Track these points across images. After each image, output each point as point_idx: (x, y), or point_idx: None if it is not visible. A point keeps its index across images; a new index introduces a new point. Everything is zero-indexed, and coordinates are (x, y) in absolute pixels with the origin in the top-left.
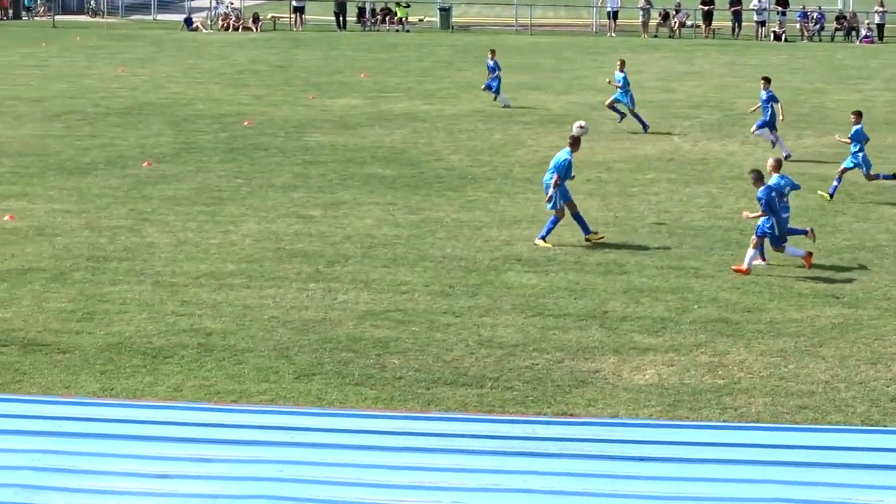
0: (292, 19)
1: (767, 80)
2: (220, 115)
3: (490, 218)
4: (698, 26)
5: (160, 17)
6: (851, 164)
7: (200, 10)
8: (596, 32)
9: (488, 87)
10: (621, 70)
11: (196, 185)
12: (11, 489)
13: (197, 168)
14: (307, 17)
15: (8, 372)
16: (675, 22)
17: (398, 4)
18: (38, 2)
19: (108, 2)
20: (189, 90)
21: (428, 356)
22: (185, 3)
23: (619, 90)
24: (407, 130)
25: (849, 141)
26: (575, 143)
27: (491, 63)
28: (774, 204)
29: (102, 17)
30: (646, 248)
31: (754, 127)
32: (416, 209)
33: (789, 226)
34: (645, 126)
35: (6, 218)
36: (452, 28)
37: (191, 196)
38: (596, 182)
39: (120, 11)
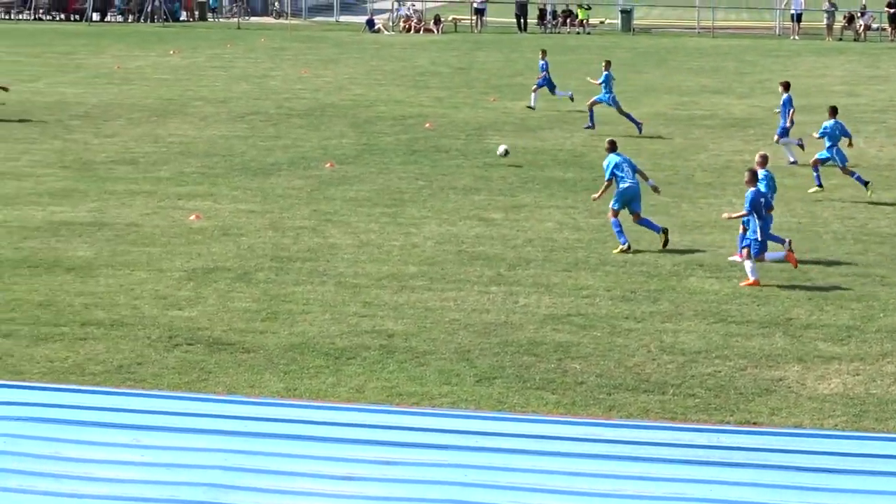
0: (473, 21)
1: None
2: (401, 116)
3: (671, 222)
4: (884, 29)
5: (343, 18)
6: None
7: (382, 12)
8: (779, 35)
9: (539, 86)
10: (606, 69)
11: (378, 186)
12: (201, 488)
13: (378, 170)
14: (488, 18)
15: (194, 370)
16: (860, 25)
17: (580, 6)
18: (227, 4)
19: (292, 4)
20: (371, 92)
21: (609, 361)
22: (368, 5)
23: (602, 90)
24: (587, 134)
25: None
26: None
27: (542, 63)
28: (760, 207)
29: (286, 19)
30: (830, 255)
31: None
32: (596, 213)
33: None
34: (638, 126)
35: (192, 218)
36: (633, 30)
37: (373, 197)
38: (780, 187)
39: (303, 13)
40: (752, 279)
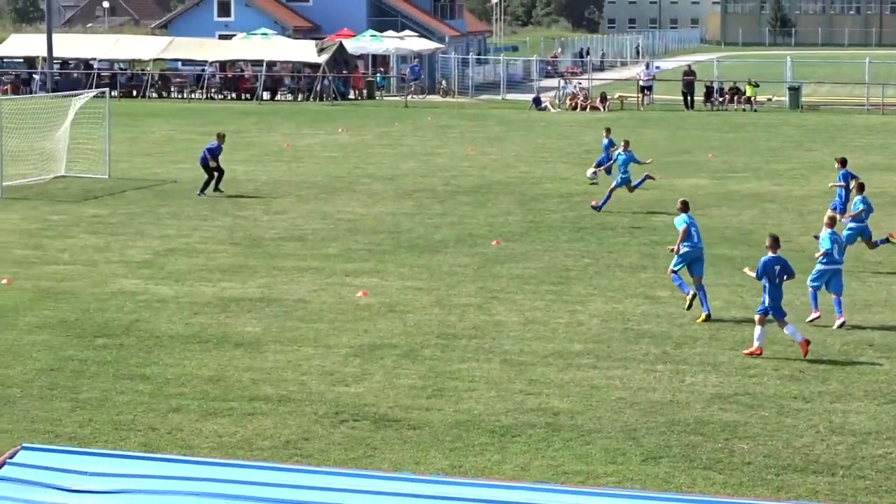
0: (639, 98)
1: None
2: (567, 194)
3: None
4: None
5: (509, 96)
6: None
7: (549, 89)
8: None
9: (599, 164)
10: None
11: (544, 263)
12: None
13: (545, 247)
14: (654, 96)
15: (360, 447)
16: None
17: (748, 84)
18: (409, 82)
19: (458, 82)
20: (537, 169)
21: (777, 441)
22: (534, 83)
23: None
24: (755, 211)
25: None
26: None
27: (605, 141)
28: (772, 273)
29: (453, 97)
30: None
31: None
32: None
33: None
34: (600, 206)
35: (359, 294)
36: (801, 107)
37: (538, 275)
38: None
39: (470, 91)
40: (755, 346)
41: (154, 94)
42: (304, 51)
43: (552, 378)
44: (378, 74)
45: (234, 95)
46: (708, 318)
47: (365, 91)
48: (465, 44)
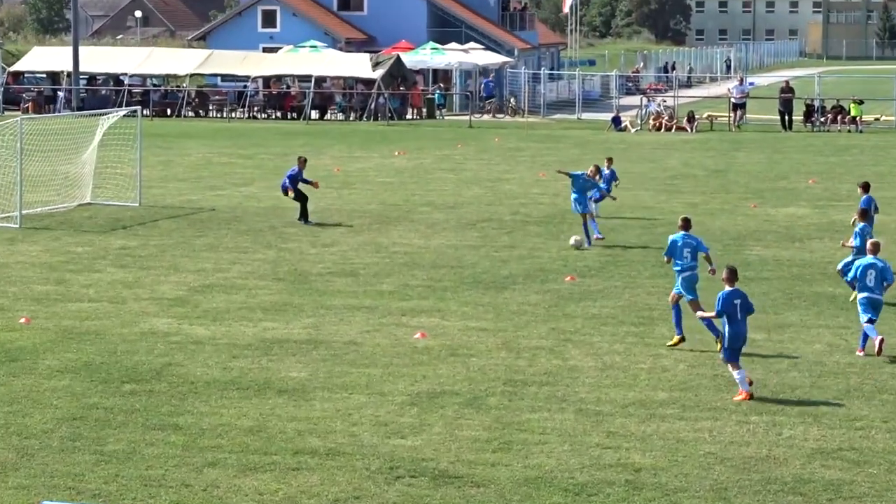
0: (731, 118)
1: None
2: (650, 224)
3: None
4: None
5: (585, 116)
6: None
7: (629, 108)
8: None
9: (599, 199)
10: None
11: (623, 302)
12: None
13: (624, 284)
14: (748, 115)
15: None
16: None
17: (852, 102)
18: (485, 101)
19: (529, 100)
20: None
21: (887, 502)
22: (613, 101)
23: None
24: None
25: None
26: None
27: (607, 172)
28: (733, 309)
29: (523, 117)
30: None
31: None
32: None
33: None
34: (587, 241)
35: (417, 336)
36: None
37: (617, 314)
38: None
39: (542, 110)
40: (743, 393)
41: (190, 113)
42: (358, 65)
43: (633, 430)
44: (437, 91)
45: (279, 114)
46: (682, 341)
47: (424, 110)
48: (536, 57)
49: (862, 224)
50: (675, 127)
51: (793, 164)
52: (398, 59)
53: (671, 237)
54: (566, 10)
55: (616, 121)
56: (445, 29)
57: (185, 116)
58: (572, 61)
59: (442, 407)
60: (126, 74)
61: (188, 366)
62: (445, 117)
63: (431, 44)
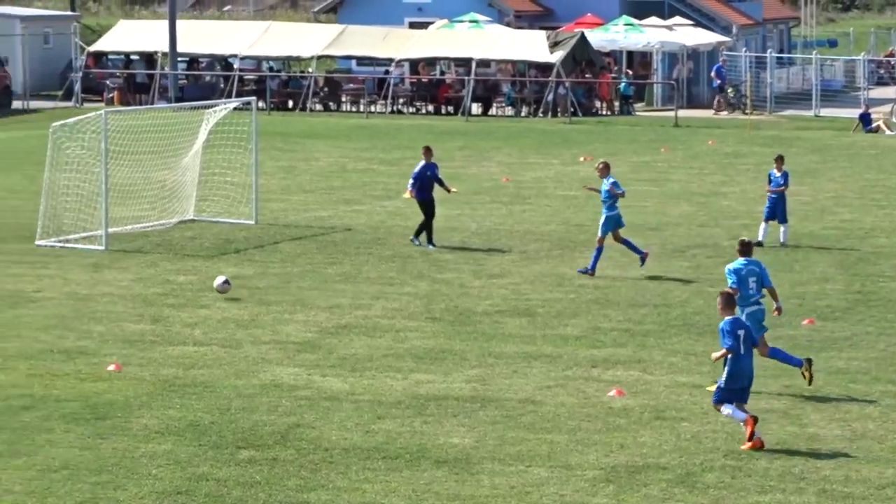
0: None
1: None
2: None
3: None
4: None
5: (824, 112)
6: None
7: (883, 102)
8: None
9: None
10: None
11: (877, 353)
12: None
13: (879, 329)
14: None
15: None
16: None
17: None
18: (723, 92)
19: (753, 92)
20: (866, 217)
21: None
22: (861, 93)
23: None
24: None
25: None
26: None
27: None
28: (737, 341)
29: (745, 113)
30: None
31: None
32: None
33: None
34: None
35: (612, 393)
36: None
37: (870, 369)
38: None
39: (769, 105)
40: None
41: (318, 106)
42: (531, 46)
43: None
44: (624, 80)
45: (430, 108)
46: None
47: (616, 103)
48: (760, 36)
49: None
50: None
51: None
52: (582, 37)
53: (732, 266)
54: None
55: (865, 119)
56: None
57: (311, 110)
58: (807, 42)
59: (645, 485)
60: (236, 56)
61: (321, 428)
62: (643, 113)
63: (625, 18)
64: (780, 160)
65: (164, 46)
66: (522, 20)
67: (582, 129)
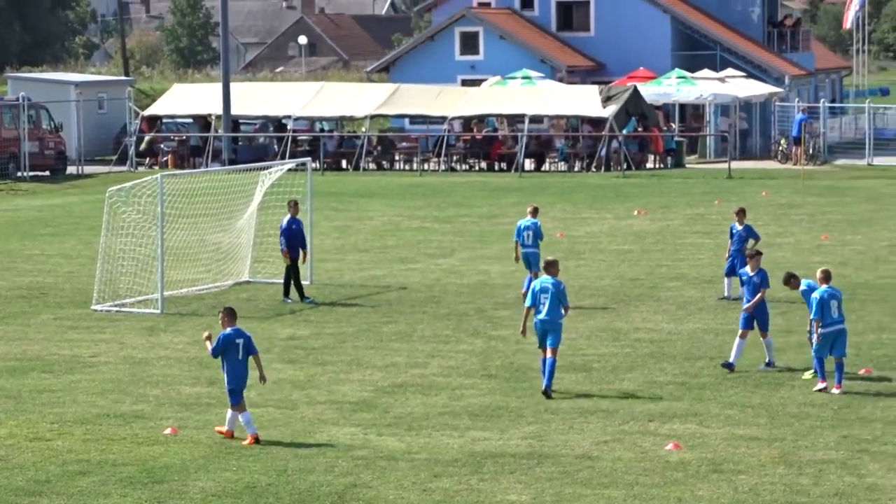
0: None
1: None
2: None
3: None
4: None
5: (878, 161)
6: None
7: None
8: None
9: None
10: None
11: None
12: None
13: None
14: None
15: None
16: None
17: None
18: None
19: (805, 141)
20: None
21: None
22: None
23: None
24: None
25: None
26: None
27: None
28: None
29: (797, 163)
30: None
31: None
32: None
33: None
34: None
35: (669, 447)
36: None
37: None
38: None
39: (822, 154)
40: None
41: (372, 165)
42: (583, 100)
43: None
44: (671, 134)
45: (484, 165)
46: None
47: (669, 158)
48: (812, 86)
49: None
50: None
51: None
52: (635, 91)
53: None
54: (848, 24)
55: None
56: (696, 52)
57: (365, 169)
58: (859, 91)
59: None
60: (290, 117)
61: (378, 488)
62: (696, 165)
63: (678, 71)
64: (741, 213)
65: (217, 109)
66: (575, 75)
67: (635, 182)
